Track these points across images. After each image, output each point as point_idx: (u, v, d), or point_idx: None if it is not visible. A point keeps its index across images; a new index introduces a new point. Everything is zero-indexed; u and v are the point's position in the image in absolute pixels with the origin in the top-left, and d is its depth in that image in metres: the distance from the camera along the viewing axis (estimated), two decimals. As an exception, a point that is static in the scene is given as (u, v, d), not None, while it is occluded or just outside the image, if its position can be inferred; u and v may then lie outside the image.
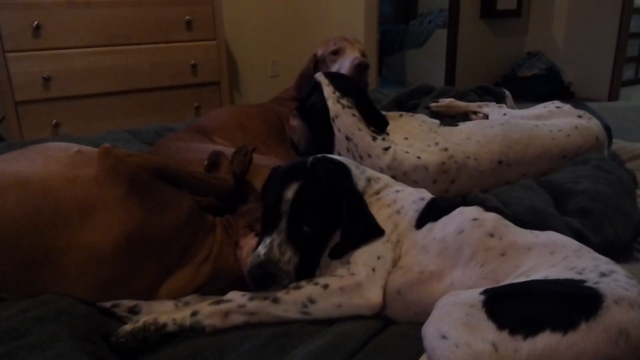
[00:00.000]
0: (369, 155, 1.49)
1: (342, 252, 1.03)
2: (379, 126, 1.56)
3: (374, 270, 0.99)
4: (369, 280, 0.98)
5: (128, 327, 0.94)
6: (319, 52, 2.03)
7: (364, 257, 1.01)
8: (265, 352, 0.90)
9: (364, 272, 0.99)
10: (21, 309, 0.94)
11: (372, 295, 0.98)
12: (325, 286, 0.97)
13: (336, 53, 1.97)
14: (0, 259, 0.97)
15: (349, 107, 1.54)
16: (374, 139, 1.51)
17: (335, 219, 1.05)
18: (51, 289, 0.99)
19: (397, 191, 1.15)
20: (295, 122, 1.68)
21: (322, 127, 1.56)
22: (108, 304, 1.01)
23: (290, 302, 0.96)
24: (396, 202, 1.11)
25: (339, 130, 1.53)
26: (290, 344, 0.91)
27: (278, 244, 1.00)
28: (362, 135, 1.51)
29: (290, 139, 1.74)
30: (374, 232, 1.05)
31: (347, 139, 1.51)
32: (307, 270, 1.04)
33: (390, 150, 1.49)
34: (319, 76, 1.63)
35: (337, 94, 1.56)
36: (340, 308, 0.97)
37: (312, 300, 0.96)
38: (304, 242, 1.02)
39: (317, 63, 2.03)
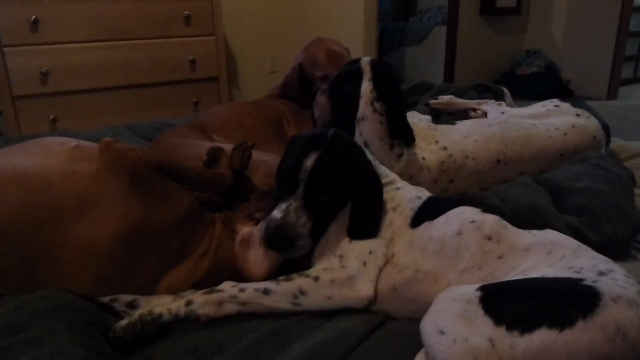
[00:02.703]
0: (382, 163, 1.47)
1: (360, 230, 1.06)
2: (403, 139, 1.48)
3: (365, 264, 1.01)
4: (359, 274, 1.00)
5: (124, 321, 0.94)
6: (307, 70, 1.95)
7: (356, 251, 1.03)
8: (263, 347, 0.90)
9: (355, 265, 1.00)
10: (19, 304, 0.94)
11: (362, 288, 0.99)
12: (316, 278, 0.99)
13: (325, 79, 1.89)
14: (-1, 253, 0.97)
15: (379, 114, 1.45)
16: (392, 147, 1.46)
17: (348, 191, 1.09)
18: (50, 284, 0.99)
19: (398, 188, 1.16)
20: (322, 99, 1.58)
21: (345, 120, 1.49)
22: (107, 299, 1.01)
23: (280, 293, 0.98)
24: (393, 200, 1.12)
25: (360, 133, 1.46)
26: (289, 340, 0.91)
27: (294, 209, 1.03)
28: (382, 144, 1.45)
29: (312, 111, 1.65)
30: (380, 214, 1.08)
31: (365, 144, 1.44)
32: (318, 237, 1.08)
33: (403, 158, 1.46)
34: (365, 65, 1.49)
35: (374, 94, 1.45)
36: (331, 300, 0.98)
37: (302, 292, 0.98)
38: (318, 209, 1.05)
39: (304, 77, 1.95)
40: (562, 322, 0.71)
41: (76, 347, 0.84)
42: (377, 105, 1.45)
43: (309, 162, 1.04)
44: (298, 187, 1.04)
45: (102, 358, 0.85)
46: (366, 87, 1.46)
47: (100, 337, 0.92)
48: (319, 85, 1.89)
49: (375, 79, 1.47)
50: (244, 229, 1.15)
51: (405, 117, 1.50)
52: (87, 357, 0.82)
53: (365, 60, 1.51)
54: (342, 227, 1.08)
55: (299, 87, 1.98)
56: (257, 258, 1.09)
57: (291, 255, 1.05)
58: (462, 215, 1.02)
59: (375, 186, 1.11)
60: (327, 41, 2.02)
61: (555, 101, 1.72)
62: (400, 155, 1.46)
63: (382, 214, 1.09)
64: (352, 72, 1.50)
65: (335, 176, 1.06)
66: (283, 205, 1.04)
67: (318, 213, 1.05)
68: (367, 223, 1.06)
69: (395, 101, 1.48)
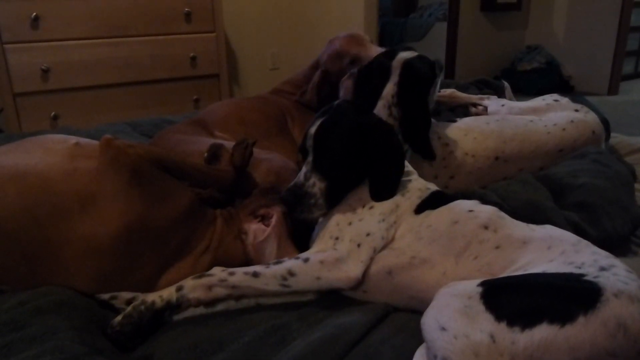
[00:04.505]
0: None
1: (380, 191, 1.10)
2: (421, 154, 1.43)
3: (359, 246, 1.02)
4: (350, 255, 1.01)
5: (119, 316, 0.94)
6: (334, 67, 1.87)
7: (352, 233, 1.04)
8: (264, 343, 0.90)
9: (347, 247, 1.02)
10: (20, 301, 0.94)
11: (351, 269, 1.00)
12: (306, 260, 1.00)
13: (354, 62, 1.82)
14: (0, 251, 0.97)
15: (394, 119, 1.42)
16: None
17: (361, 154, 1.12)
18: (51, 281, 0.99)
19: (410, 180, 1.17)
20: (347, 83, 1.56)
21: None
22: (107, 296, 1.01)
23: (270, 276, 0.99)
24: (404, 187, 1.14)
25: None
26: (290, 336, 0.92)
27: (305, 172, 1.12)
28: None
29: (339, 89, 1.62)
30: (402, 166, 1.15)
31: None
32: (336, 200, 1.13)
33: (407, 153, 1.46)
34: (396, 66, 1.42)
35: (394, 99, 1.41)
36: (319, 280, 0.99)
37: (292, 273, 0.99)
38: (329, 170, 1.11)
39: (328, 81, 1.88)
40: (563, 317, 0.71)
41: (77, 344, 0.84)
42: (394, 111, 1.43)
43: (314, 128, 1.12)
44: (309, 154, 1.13)
45: (103, 355, 0.86)
46: (389, 90, 1.43)
47: (101, 334, 0.93)
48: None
49: (401, 84, 1.42)
50: (252, 227, 1.15)
51: (425, 130, 1.42)
52: (88, 354, 0.82)
53: (399, 60, 1.43)
54: (345, 208, 1.10)
55: (318, 95, 1.90)
56: (274, 254, 1.11)
57: (307, 215, 1.11)
58: (460, 205, 1.05)
59: (392, 149, 1.14)
60: (340, 35, 1.95)
61: (555, 96, 1.72)
62: (406, 151, 1.46)
63: (401, 177, 1.14)
64: (382, 68, 1.44)
65: (339, 136, 1.10)
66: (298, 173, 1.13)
67: (330, 175, 1.11)
68: (386, 184, 1.11)
69: (415, 110, 1.41)
